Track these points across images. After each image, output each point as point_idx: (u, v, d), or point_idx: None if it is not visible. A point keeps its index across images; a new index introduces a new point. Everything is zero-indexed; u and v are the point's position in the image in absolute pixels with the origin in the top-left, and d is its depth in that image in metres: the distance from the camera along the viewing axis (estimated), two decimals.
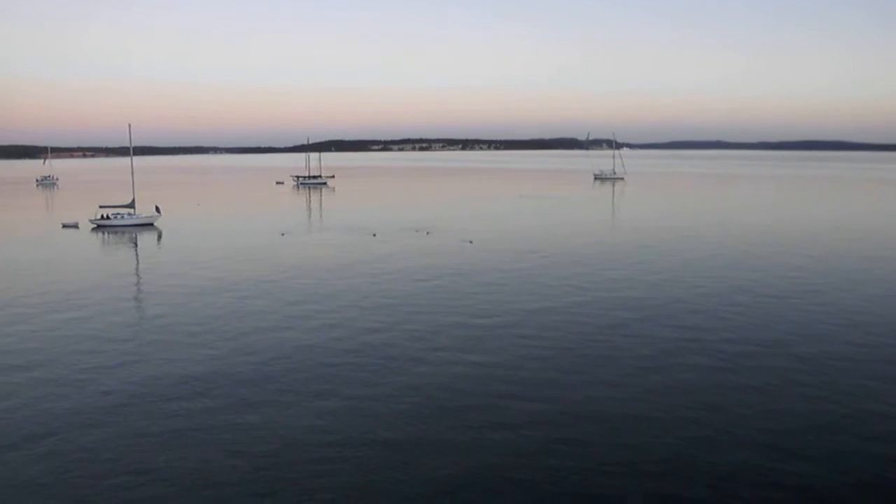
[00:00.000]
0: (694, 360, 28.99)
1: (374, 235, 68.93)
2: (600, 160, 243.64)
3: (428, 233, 70.36)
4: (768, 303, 38.88)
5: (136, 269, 54.03)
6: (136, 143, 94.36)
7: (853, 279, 45.74)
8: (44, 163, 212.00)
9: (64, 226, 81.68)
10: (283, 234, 71.53)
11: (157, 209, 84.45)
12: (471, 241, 63.59)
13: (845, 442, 21.22)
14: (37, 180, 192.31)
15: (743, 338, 32.03)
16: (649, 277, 46.43)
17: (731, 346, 30.65)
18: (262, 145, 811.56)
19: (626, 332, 33.26)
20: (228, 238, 68.96)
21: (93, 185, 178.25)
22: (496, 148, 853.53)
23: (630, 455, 20.41)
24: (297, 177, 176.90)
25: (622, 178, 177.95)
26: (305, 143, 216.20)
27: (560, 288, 43.24)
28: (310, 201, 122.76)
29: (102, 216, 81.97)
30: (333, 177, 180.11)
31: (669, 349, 30.39)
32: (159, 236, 73.15)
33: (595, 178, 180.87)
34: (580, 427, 22.41)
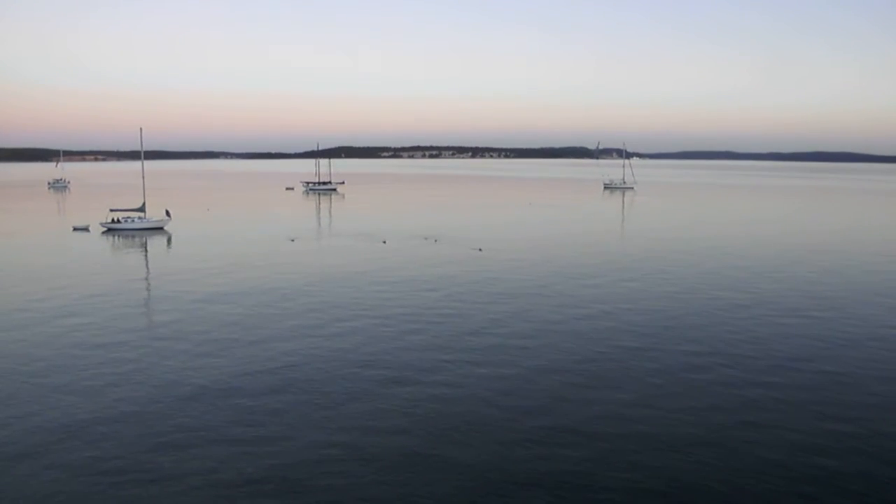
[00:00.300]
0: (711, 373, 28.40)
1: (384, 242, 68.62)
2: (610, 169, 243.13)
3: (436, 240, 69.99)
4: (786, 315, 38.21)
5: (147, 273, 53.87)
6: (147, 147, 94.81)
7: (873, 290, 45.00)
8: (56, 166, 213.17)
9: (75, 229, 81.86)
10: (292, 240, 71.35)
11: (168, 213, 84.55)
12: (480, 250, 63.17)
13: (871, 461, 20.61)
14: (49, 183, 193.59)
15: (763, 352, 31.40)
16: (663, 288, 45.85)
17: (751, 362, 30.03)
18: (273, 151, 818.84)
19: (642, 344, 32.70)
20: (238, 243, 68.83)
21: (104, 189, 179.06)
22: (506, 156, 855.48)
23: (645, 470, 19.89)
24: (307, 183, 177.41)
25: (632, 188, 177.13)
26: (315, 149, 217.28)
27: (571, 297, 42.73)
28: (319, 207, 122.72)
29: (113, 220, 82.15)
30: (343, 183, 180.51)
31: (686, 363, 29.82)
32: (169, 240, 73.10)
33: (605, 188, 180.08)
34: (596, 441, 21.89)
